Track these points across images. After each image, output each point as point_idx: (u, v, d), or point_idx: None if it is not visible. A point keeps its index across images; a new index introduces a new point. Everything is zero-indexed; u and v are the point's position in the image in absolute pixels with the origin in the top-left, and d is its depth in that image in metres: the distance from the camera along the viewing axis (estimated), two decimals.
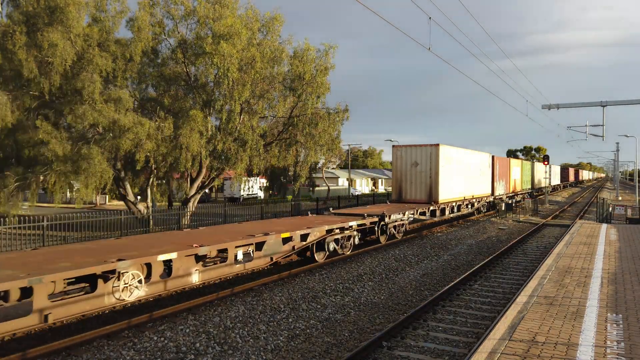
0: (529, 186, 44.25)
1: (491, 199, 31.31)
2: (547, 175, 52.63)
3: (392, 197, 24.26)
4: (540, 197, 45.49)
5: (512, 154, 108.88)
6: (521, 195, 39.89)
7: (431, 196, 22.82)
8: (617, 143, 58.64)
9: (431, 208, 22.31)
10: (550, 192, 54.64)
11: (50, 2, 16.70)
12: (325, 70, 23.10)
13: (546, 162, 48.00)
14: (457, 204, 25.48)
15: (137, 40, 18.99)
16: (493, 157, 31.69)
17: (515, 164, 39.18)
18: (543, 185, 51.72)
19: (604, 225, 22.41)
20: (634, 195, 55.49)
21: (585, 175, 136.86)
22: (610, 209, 28.84)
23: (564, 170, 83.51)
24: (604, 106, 23.67)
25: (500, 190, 33.00)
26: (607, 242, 16.36)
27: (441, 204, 23.03)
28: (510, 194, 36.19)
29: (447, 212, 24.05)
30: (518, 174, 39.54)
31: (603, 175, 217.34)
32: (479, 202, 29.02)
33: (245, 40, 20.65)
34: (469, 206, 27.43)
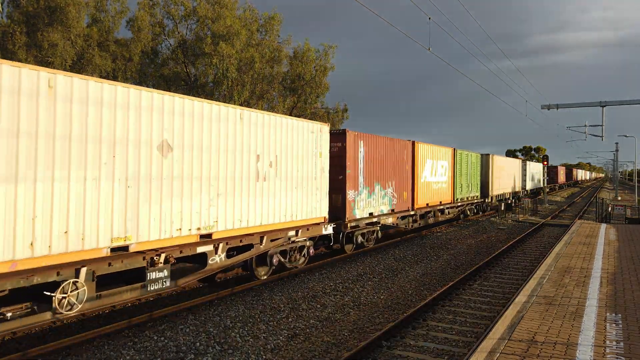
0: (477, 193, 27.73)
1: (325, 231, 13.51)
2: (530, 174, 40.85)
3: None
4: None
5: (511, 153, 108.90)
6: (452, 211, 23.91)
7: None
8: (617, 143, 58.71)
9: None
10: (526, 198, 38.93)
11: (51, 2, 16.71)
12: (325, 71, 23.17)
13: (546, 162, 47.85)
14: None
15: (137, 41, 19.03)
16: (345, 133, 14.79)
17: (435, 154, 21.74)
18: (509, 190, 35.12)
19: (603, 225, 22.44)
20: (633, 195, 55.56)
21: (581, 175, 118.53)
22: (610, 208, 28.88)
23: (551, 169, 64.54)
24: (603, 106, 23.73)
25: (372, 208, 16.21)
26: (607, 242, 16.39)
27: None
28: (418, 211, 20.06)
29: None
30: (443, 174, 22.74)
31: (602, 175, 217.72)
32: (250, 248, 11.09)
33: (244, 41, 20.68)
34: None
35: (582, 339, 6.63)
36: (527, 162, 42.63)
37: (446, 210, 23.25)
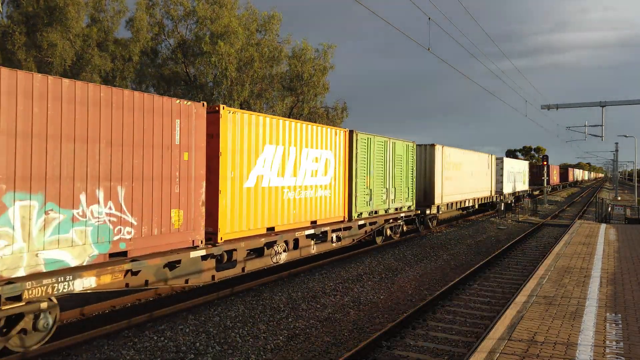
0: (408, 203, 18.43)
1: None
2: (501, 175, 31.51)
3: None
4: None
5: (511, 153, 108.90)
6: (346, 235, 14.23)
7: None
8: (617, 143, 58.79)
9: None
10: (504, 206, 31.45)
11: (50, 3, 16.70)
12: (324, 70, 23.18)
13: (545, 162, 47.68)
14: None
15: (136, 41, 19.03)
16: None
17: (290, 136, 11.80)
18: (473, 195, 25.91)
19: (603, 225, 22.45)
20: (633, 195, 55.60)
21: (578, 175, 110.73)
22: (609, 208, 28.89)
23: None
24: (603, 106, 23.75)
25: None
26: (606, 242, 16.40)
27: None
28: (233, 244, 10.04)
29: None
30: (321, 173, 13.20)
31: (602, 175, 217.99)
32: None
33: (243, 40, 20.69)
34: None
35: (582, 339, 6.63)
36: (505, 159, 33.47)
37: (331, 236, 13.59)
